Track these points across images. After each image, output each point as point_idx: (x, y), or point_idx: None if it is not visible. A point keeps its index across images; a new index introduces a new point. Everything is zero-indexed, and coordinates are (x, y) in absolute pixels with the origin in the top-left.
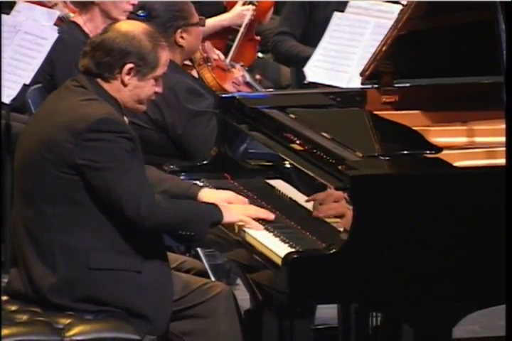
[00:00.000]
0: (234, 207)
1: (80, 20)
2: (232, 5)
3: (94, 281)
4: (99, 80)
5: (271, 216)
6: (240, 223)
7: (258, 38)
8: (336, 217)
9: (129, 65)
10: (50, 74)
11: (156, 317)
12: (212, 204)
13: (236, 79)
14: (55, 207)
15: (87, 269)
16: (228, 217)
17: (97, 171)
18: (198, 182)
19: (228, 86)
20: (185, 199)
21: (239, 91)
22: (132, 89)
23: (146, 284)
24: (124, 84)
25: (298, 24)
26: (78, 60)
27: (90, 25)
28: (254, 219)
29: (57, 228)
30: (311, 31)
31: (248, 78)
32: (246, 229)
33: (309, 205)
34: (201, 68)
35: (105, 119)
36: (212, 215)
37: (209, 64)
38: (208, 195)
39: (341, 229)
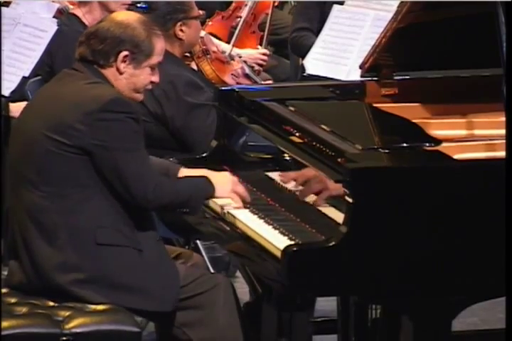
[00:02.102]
0: (224, 182)
1: (79, 12)
2: (239, 4)
3: (101, 257)
4: (95, 67)
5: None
6: (228, 199)
7: (262, 33)
8: (334, 207)
9: (124, 53)
10: (50, 67)
11: (162, 292)
12: (204, 177)
13: (235, 72)
14: (59, 187)
15: (94, 245)
16: (220, 191)
17: (106, 151)
18: None
19: (227, 78)
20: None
21: (238, 83)
22: (128, 77)
23: (149, 261)
24: (120, 72)
25: (315, 19)
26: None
27: (89, 17)
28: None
29: (61, 208)
30: (322, 26)
31: (247, 70)
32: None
33: (308, 198)
34: (200, 60)
35: (117, 99)
36: (207, 190)
37: (208, 56)
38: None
39: (341, 222)
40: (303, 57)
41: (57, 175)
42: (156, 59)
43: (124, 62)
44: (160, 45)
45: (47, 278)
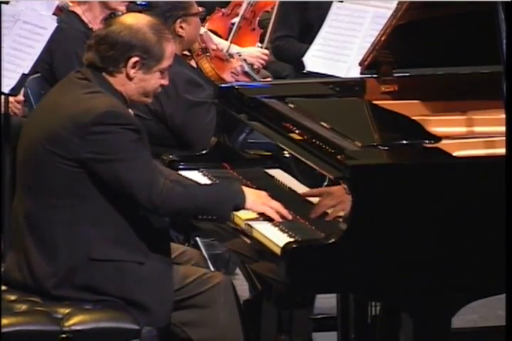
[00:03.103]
0: (258, 194)
1: (78, 10)
2: (238, 3)
3: (94, 272)
4: (104, 74)
5: (289, 216)
6: (260, 212)
7: (262, 30)
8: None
9: (134, 59)
10: (49, 64)
11: (156, 309)
12: (236, 187)
13: (234, 69)
14: (58, 199)
15: (88, 259)
16: (251, 203)
17: (104, 163)
18: (196, 171)
19: (227, 76)
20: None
21: (237, 81)
22: (138, 82)
23: (148, 275)
24: (130, 78)
25: (295, 25)
26: (77, 49)
27: (89, 15)
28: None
29: (60, 219)
30: (305, 31)
31: (246, 68)
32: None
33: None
34: (200, 58)
35: (109, 112)
36: (234, 199)
37: (207, 54)
38: None
39: (340, 219)
40: (289, 62)
41: (53, 185)
42: (166, 63)
43: (134, 67)
44: (170, 48)
45: (40, 284)
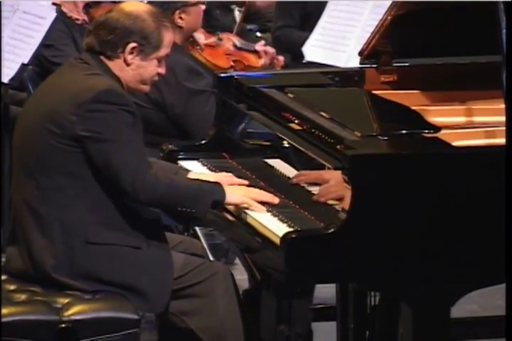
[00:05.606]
0: (238, 188)
1: (57, 0)
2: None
3: (92, 256)
4: (102, 58)
5: (275, 200)
6: (243, 205)
7: None
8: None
9: (132, 44)
10: (36, 58)
11: (154, 294)
12: (216, 183)
13: (228, 50)
14: (55, 180)
15: (85, 243)
16: (231, 197)
17: (97, 142)
18: (196, 161)
19: (222, 62)
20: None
21: (235, 61)
22: (135, 68)
23: (144, 260)
24: (127, 63)
25: (296, 15)
26: (56, 39)
27: (69, 5)
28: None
29: (57, 202)
30: (305, 20)
31: (239, 44)
32: (248, 211)
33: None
34: (192, 52)
35: (109, 91)
36: (214, 194)
37: (198, 47)
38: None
39: (340, 209)
40: (290, 52)
41: (51, 166)
42: (164, 51)
43: (132, 53)
44: (169, 37)
45: (40, 268)
